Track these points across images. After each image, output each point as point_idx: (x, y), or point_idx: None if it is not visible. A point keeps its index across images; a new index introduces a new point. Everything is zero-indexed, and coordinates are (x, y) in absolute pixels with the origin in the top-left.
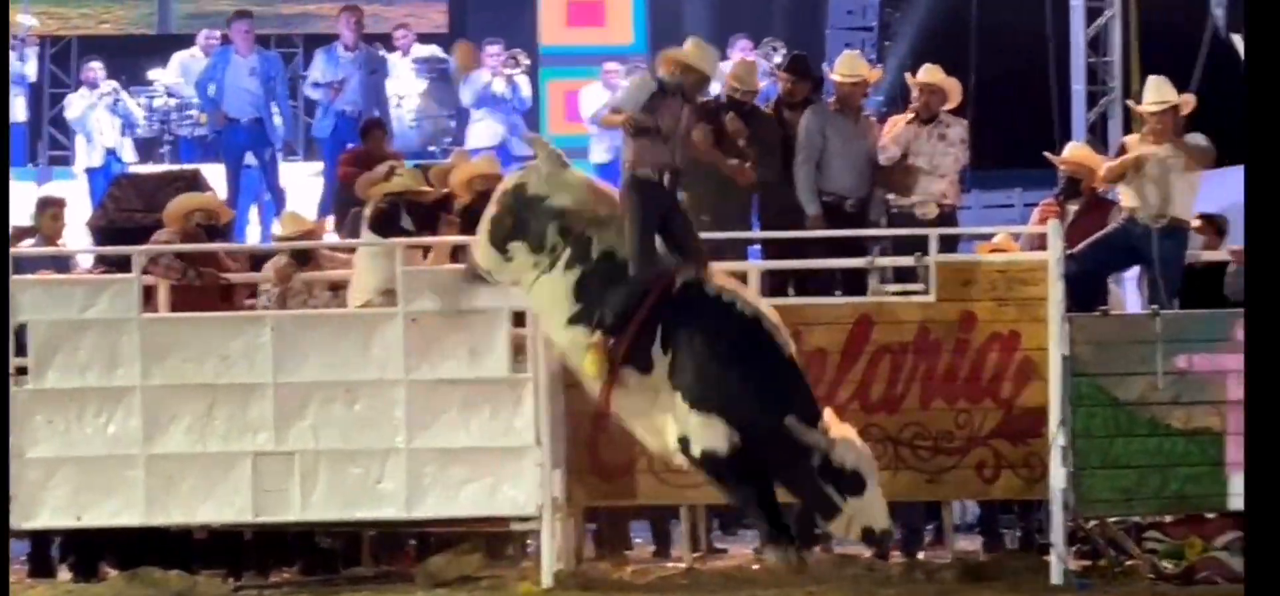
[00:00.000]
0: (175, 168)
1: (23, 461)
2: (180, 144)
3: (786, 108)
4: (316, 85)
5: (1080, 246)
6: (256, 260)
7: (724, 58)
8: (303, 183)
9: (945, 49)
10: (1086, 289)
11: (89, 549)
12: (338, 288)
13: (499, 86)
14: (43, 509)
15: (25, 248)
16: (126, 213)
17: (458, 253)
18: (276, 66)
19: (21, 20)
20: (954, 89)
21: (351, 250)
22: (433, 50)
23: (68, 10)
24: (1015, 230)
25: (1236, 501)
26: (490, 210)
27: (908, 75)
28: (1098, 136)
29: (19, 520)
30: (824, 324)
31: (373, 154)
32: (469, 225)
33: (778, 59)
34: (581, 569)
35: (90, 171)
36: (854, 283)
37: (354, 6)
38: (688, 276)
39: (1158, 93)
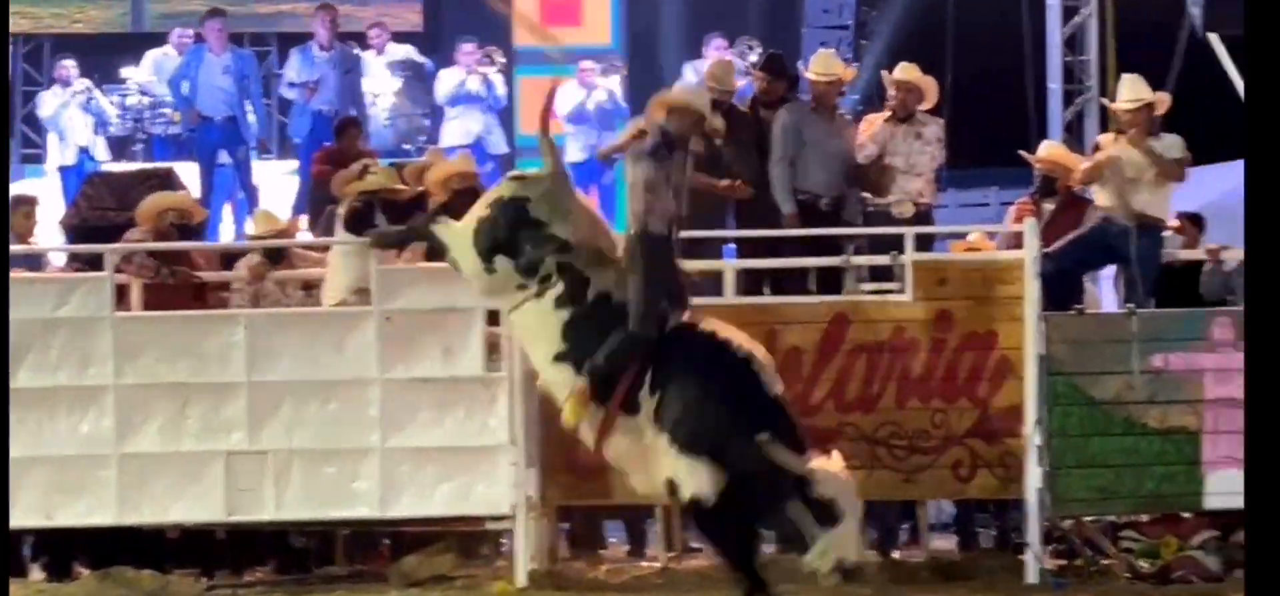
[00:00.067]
0: (149, 166)
1: None
2: (153, 142)
3: (762, 106)
4: (292, 85)
5: (1056, 245)
6: (229, 259)
7: (699, 56)
8: (277, 181)
9: (921, 48)
10: (1062, 288)
11: (61, 548)
12: (311, 286)
13: (474, 85)
14: (14, 508)
15: None
16: (100, 211)
17: (433, 252)
18: (250, 65)
19: None
20: (930, 88)
21: (325, 248)
22: (408, 50)
23: (40, 10)
24: (990, 229)
25: (1212, 500)
26: (480, 211)
27: (884, 74)
28: (1074, 135)
29: None
30: (799, 323)
31: (347, 152)
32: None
33: (753, 58)
34: (556, 568)
35: (63, 170)
36: (830, 281)
37: (329, 5)
38: (677, 318)
39: (1132, 91)
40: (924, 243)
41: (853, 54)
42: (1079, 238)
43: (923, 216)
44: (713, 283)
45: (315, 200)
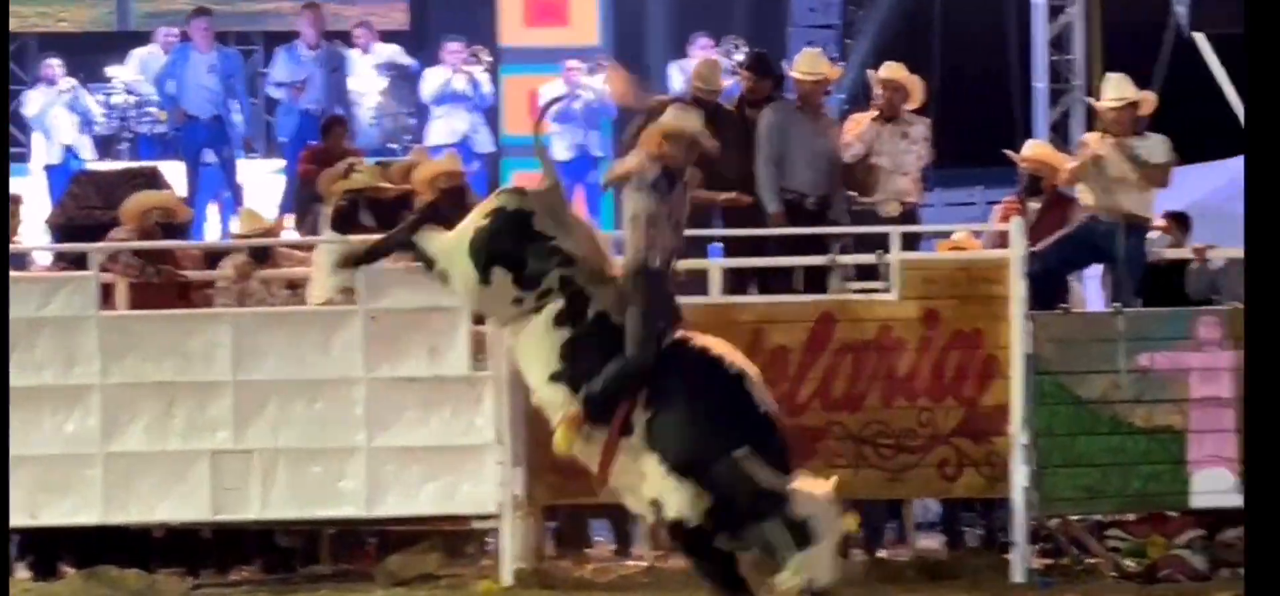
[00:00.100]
0: (134, 165)
1: None
2: (139, 141)
3: (748, 105)
4: (279, 84)
5: (1042, 244)
6: (214, 258)
7: (684, 56)
8: (262, 180)
9: (908, 47)
10: (1049, 287)
11: (47, 547)
12: (296, 286)
13: (460, 83)
14: None
15: None
16: (86, 210)
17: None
18: (236, 63)
19: None
20: (916, 87)
21: (311, 248)
22: (394, 50)
23: (26, 8)
24: (976, 228)
25: (1198, 499)
26: (477, 222)
27: (870, 73)
28: (1060, 135)
29: None
30: (786, 322)
31: (333, 151)
32: (430, 224)
33: (739, 57)
34: (542, 567)
35: (49, 169)
36: (816, 281)
37: (314, 4)
38: (671, 336)
39: (1117, 90)
40: (910, 242)
41: (839, 53)
42: (1065, 237)
43: (909, 215)
44: (698, 281)
45: (301, 199)
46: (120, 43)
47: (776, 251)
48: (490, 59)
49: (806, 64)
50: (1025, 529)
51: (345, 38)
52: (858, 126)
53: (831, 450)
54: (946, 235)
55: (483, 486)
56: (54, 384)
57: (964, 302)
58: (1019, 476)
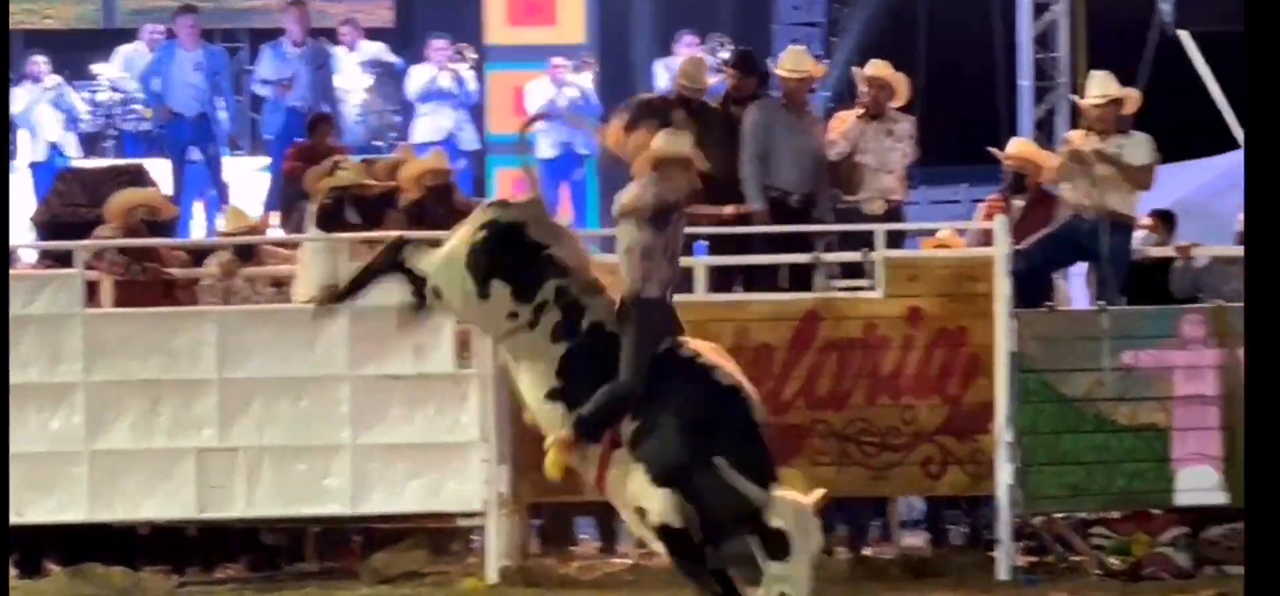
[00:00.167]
0: (120, 162)
1: None
2: (124, 138)
3: (733, 103)
4: (265, 82)
5: (1027, 242)
6: (200, 256)
7: (670, 53)
8: (248, 177)
9: (893, 44)
10: (1033, 285)
11: (32, 545)
12: (281, 284)
13: (445, 81)
14: None
15: None
16: (71, 207)
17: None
18: (221, 61)
19: None
20: (902, 84)
21: (295, 245)
22: (380, 48)
23: (11, 5)
24: (960, 226)
25: (1182, 497)
26: (469, 237)
27: (856, 70)
28: (1045, 132)
29: None
30: (770, 320)
31: (319, 148)
32: (416, 221)
33: (724, 55)
34: (527, 564)
35: (34, 166)
36: (801, 278)
37: (299, 2)
38: (664, 344)
39: (1101, 87)
40: (895, 239)
41: (824, 51)
42: (1049, 235)
43: (894, 213)
44: (683, 279)
45: (287, 197)
46: (106, 40)
47: (761, 249)
48: (475, 56)
49: (791, 61)
50: (1010, 527)
51: (331, 35)
52: (843, 124)
53: (816, 448)
54: (931, 233)
55: (468, 484)
56: (39, 381)
57: (948, 300)
58: (1003, 474)
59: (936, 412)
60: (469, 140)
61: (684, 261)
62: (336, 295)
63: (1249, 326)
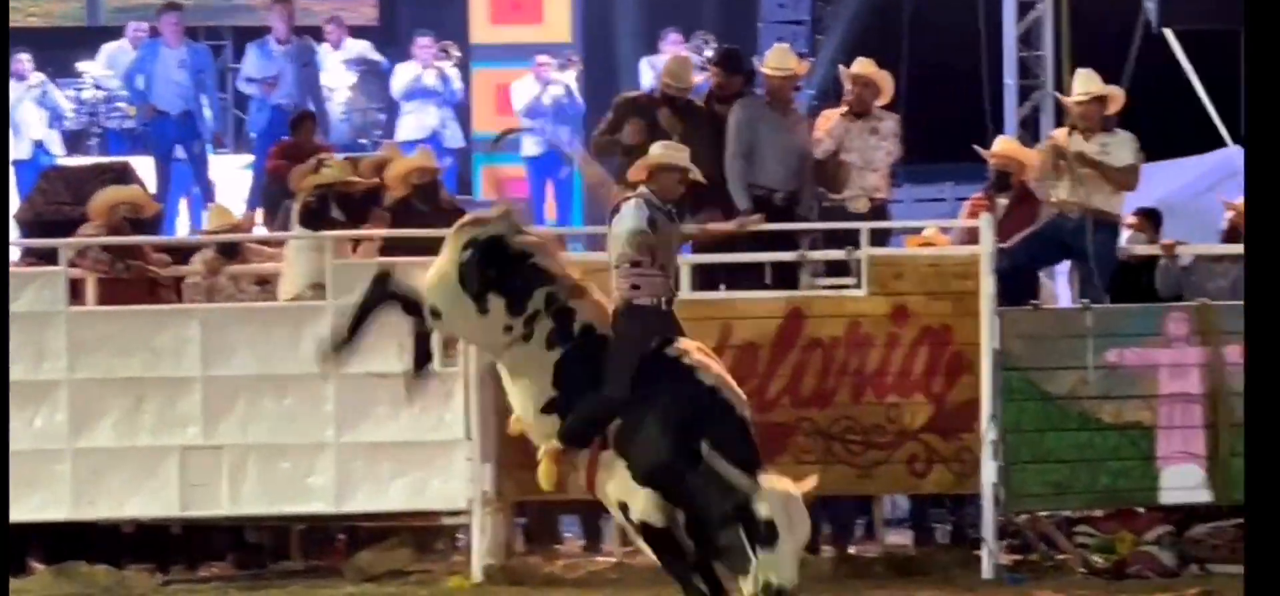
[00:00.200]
0: (104, 160)
1: None
2: (109, 136)
3: (718, 102)
4: (251, 80)
5: (1012, 241)
6: (184, 254)
7: (655, 52)
8: (232, 175)
9: (877, 42)
10: (1018, 283)
11: (16, 543)
12: (265, 282)
13: (430, 79)
14: None
15: None
16: (55, 205)
17: (387, 246)
18: (205, 59)
19: None
20: (886, 82)
21: (280, 243)
22: (365, 46)
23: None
24: (944, 224)
25: (1167, 495)
26: (457, 256)
27: (841, 68)
28: (1029, 131)
29: None
30: (755, 318)
31: (303, 146)
32: (402, 219)
33: (709, 53)
34: (511, 563)
35: (18, 164)
36: (785, 276)
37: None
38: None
39: (1084, 85)
40: (880, 238)
41: (809, 49)
42: (1033, 233)
43: (878, 212)
44: None
45: (271, 195)
46: (90, 37)
47: (746, 247)
48: (459, 54)
49: (775, 59)
50: (994, 525)
51: (315, 33)
52: (828, 122)
53: (801, 446)
54: (916, 231)
55: (452, 482)
56: (23, 379)
57: (933, 299)
58: (988, 472)
59: (921, 411)
60: (453, 138)
61: None
62: (339, 343)
63: (1249, 326)
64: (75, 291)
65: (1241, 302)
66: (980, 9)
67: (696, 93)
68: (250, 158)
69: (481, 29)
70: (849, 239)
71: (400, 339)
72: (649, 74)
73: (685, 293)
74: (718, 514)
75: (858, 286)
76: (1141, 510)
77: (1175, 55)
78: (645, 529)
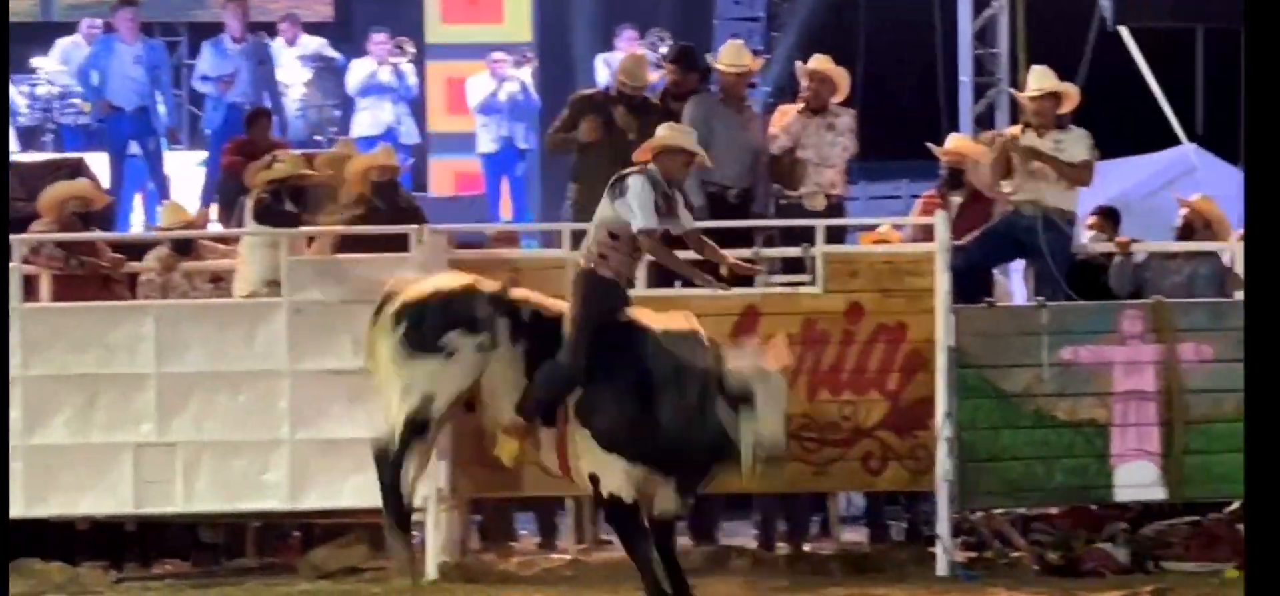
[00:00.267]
0: (58, 156)
1: None
2: (63, 132)
3: (674, 99)
4: (206, 79)
5: (967, 238)
6: (138, 250)
7: (610, 49)
8: (187, 171)
9: (833, 39)
10: (973, 281)
11: None
12: (219, 279)
13: (385, 75)
14: None
15: None
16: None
17: (343, 243)
18: (161, 55)
19: None
20: (843, 79)
21: (235, 241)
22: (320, 43)
23: None
24: (898, 222)
25: (1121, 493)
26: (393, 347)
27: (798, 65)
28: (985, 128)
29: None
30: (710, 315)
31: (258, 143)
32: (360, 216)
33: (665, 50)
34: (466, 560)
35: None
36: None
37: None
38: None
39: (1039, 81)
40: (836, 235)
41: (764, 46)
42: (988, 231)
43: (835, 209)
44: None
45: (226, 191)
46: (44, 33)
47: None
48: (414, 50)
49: (729, 56)
50: (949, 522)
51: (270, 30)
52: (784, 119)
53: None
54: (871, 228)
55: (407, 479)
56: None
57: (888, 296)
58: (943, 470)
59: (876, 408)
60: (409, 134)
61: None
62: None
63: (1249, 326)
64: (29, 287)
65: (1196, 300)
66: (936, 6)
67: (653, 90)
68: (205, 154)
69: (436, 26)
70: (805, 236)
71: (356, 335)
72: (604, 72)
73: (641, 290)
74: (688, 417)
75: (813, 283)
76: (1096, 507)
77: (1130, 53)
78: (614, 504)
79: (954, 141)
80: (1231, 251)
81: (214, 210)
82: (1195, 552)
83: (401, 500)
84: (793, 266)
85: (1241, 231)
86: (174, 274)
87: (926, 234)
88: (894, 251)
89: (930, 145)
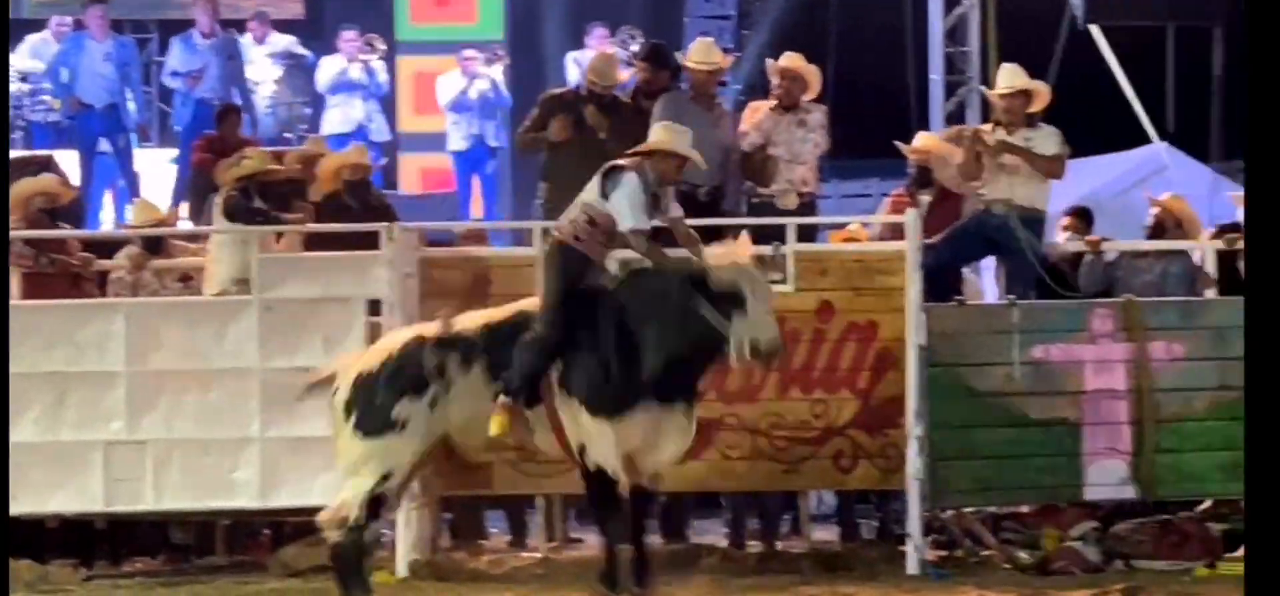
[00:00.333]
0: (28, 153)
1: None
2: (33, 129)
3: (645, 97)
4: (175, 74)
5: (937, 237)
6: (108, 247)
7: (581, 46)
8: (157, 168)
9: (804, 37)
10: (943, 279)
11: None
12: (189, 277)
13: (355, 72)
14: None
15: None
16: None
17: (312, 240)
18: (131, 52)
19: None
20: (814, 76)
21: (205, 238)
22: (290, 40)
23: None
24: (866, 220)
25: (1092, 492)
26: (344, 420)
27: (769, 62)
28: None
29: None
30: None
31: (228, 140)
32: (330, 214)
33: (635, 48)
34: (436, 559)
35: None
36: None
37: None
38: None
39: (1009, 79)
40: (807, 233)
41: (735, 44)
42: (959, 229)
43: (806, 206)
44: None
45: (196, 188)
46: (13, 29)
47: (670, 243)
48: (384, 47)
49: (699, 53)
50: (920, 521)
51: (240, 27)
52: (756, 116)
53: (727, 442)
54: (841, 227)
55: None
56: None
57: (859, 294)
58: (914, 468)
59: (847, 406)
60: (379, 132)
61: None
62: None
63: (1249, 326)
64: None
65: (1167, 298)
66: (907, 5)
67: (623, 89)
68: (175, 151)
69: (407, 23)
70: (775, 234)
71: (326, 333)
72: (575, 70)
73: None
74: (672, 330)
75: (784, 282)
76: (1067, 506)
77: (1101, 52)
78: (597, 476)
79: (922, 140)
80: (1202, 250)
81: (184, 208)
82: (1166, 551)
83: (361, 574)
84: (763, 264)
85: (1212, 230)
86: (144, 272)
87: (896, 232)
88: (865, 250)
89: (898, 144)
